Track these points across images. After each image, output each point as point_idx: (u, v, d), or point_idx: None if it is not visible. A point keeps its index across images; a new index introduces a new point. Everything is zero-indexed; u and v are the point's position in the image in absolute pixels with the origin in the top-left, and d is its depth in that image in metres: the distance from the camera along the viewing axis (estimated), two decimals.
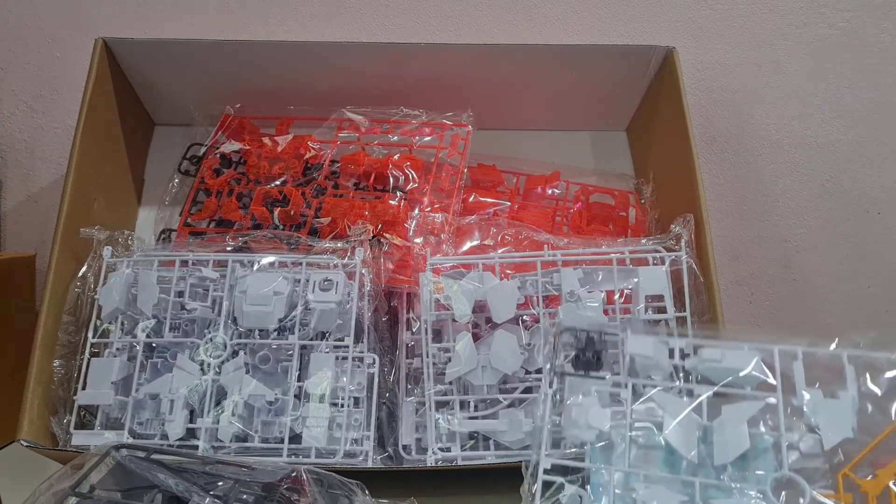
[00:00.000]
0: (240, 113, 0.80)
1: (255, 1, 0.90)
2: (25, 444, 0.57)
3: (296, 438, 0.59)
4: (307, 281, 0.63)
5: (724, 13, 0.91)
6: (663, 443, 0.49)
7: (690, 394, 0.51)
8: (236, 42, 0.74)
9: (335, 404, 0.60)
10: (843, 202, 0.88)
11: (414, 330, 0.64)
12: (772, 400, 0.48)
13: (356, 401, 0.60)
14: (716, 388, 0.50)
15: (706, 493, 0.47)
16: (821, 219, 0.87)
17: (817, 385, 0.48)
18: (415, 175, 0.72)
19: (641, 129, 0.84)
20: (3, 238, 0.84)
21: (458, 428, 0.60)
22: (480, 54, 0.76)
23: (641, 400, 0.50)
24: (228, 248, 0.66)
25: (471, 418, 0.61)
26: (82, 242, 0.66)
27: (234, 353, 0.61)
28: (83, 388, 0.61)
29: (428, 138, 0.75)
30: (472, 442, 0.61)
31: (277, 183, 0.74)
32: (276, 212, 0.71)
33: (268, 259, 0.64)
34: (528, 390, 0.61)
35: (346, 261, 0.64)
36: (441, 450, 0.60)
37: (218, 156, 0.77)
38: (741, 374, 0.49)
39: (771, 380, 0.48)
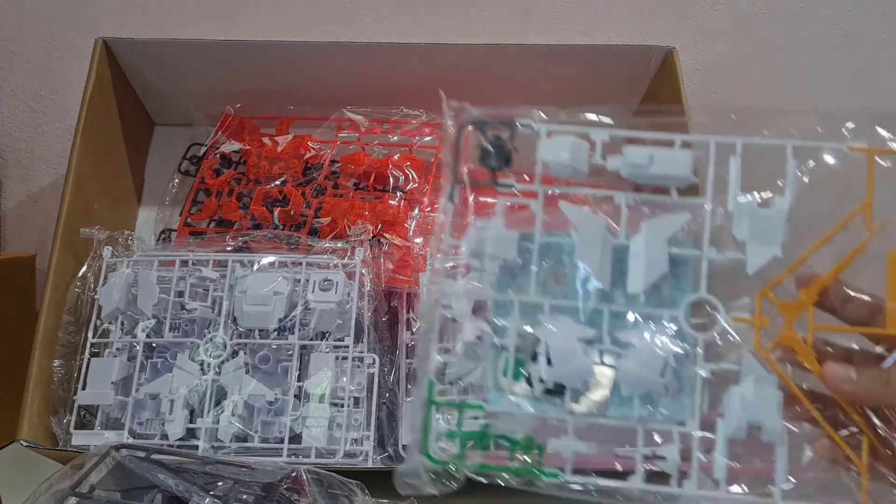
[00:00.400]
0: (240, 113, 0.80)
1: (255, 1, 0.90)
2: (25, 444, 0.57)
3: (296, 438, 0.59)
4: (307, 281, 0.63)
5: (725, 13, 0.91)
6: (573, 266, 0.43)
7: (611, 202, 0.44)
8: (236, 42, 0.73)
9: (335, 404, 0.60)
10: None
11: (414, 330, 0.64)
12: (698, 209, 0.42)
13: (356, 401, 0.60)
14: (638, 197, 0.43)
15: (615, 322, 0.42)
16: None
17: (752, 191, 0.42)
18: (415, 175, 0.72)
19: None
20: (3, 238, 0.84)
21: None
22: (480, 54, 0.76)
23: (552, 213, 0.44)
24: (228, 248, 0.66)
25: (471, 418, 0.60)
26: (82, 242, 0.66)
27: (234, 353, 0.61)
28: (83, 388, 0.61)
29: (428, 138, 0.75)
30: (473, 442, 0.61)
31: (277, 183, 0.74)
32: (276, 212, 0.71)
33: (268, 259, 0.64)
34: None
35: (345, 261, 0.64)
36: (441, 450, 0.59)
37: (218, 156, 0.77)
38: (670, 178, 0.43)
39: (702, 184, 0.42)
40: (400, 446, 0.61)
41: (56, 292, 0.63)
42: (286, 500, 0.46)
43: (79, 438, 0.59)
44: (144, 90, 0.80)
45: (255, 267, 0.64)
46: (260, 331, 0.62)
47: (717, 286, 0.42)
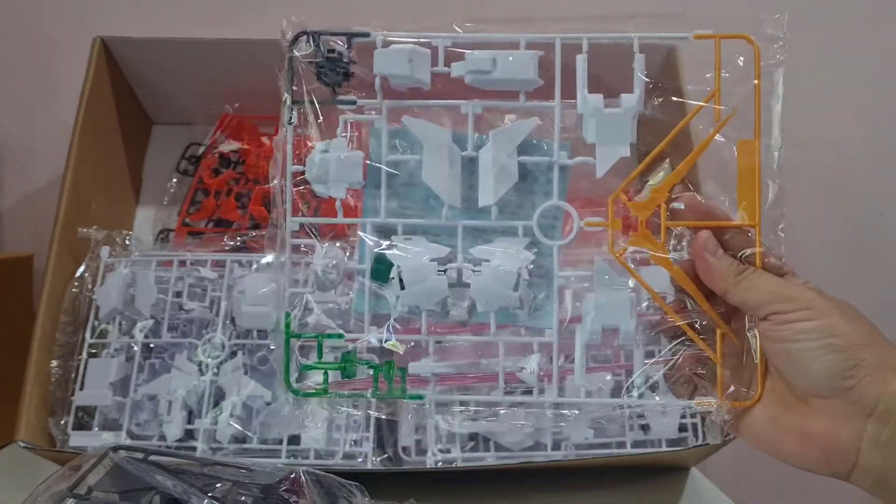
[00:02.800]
0: (238, 112, 0.80)
1: (254, 0, 0.90)
2: (23, 445, 0.57)
3: (294, 440, 0.59)
4: (306, 281, 0.62)
5: (727, 11, 0.91)
6: (422, 184, 0.42)
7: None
8: (236, 41, 0.73)
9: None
10: (846, 203, 0.88)
11: None
12: (547, 113, 0.42)
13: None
14: (484, 104, 0.42)
15: (471, 238, 0.42)
16: (823, 219, 0.87)
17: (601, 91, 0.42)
18: None
19: (642, 129, 0.83)
20: (1, 238, 0.83)
21: (458, 429, 0.59)
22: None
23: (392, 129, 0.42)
24: (227, 248, 0.66)
25: (471, 420, 0.60)
26: (80, 242, 0.66)
27: (233, 354, 0.61)
28: (81, 389, 0.60)
29: None
30: (473, 443, 0.60)
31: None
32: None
33: (266, 259, 0.64)
34: (529, 391, 0.60)
35: None
36: (441, 451, 0.59)
37: (216, 155, 0.77)
38: (517, 82, 0.42)
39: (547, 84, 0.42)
40: (399, 448, 0.61)
41: (54, 292, 0.63)
42: (285, 501, 0.46)
43: (76, 439, 0.59)
44: (142, 89, 0.79)
45: (254, 267, 0.63)
46: (258, 331, 0.61)
47: (567, 190, 0.41)
